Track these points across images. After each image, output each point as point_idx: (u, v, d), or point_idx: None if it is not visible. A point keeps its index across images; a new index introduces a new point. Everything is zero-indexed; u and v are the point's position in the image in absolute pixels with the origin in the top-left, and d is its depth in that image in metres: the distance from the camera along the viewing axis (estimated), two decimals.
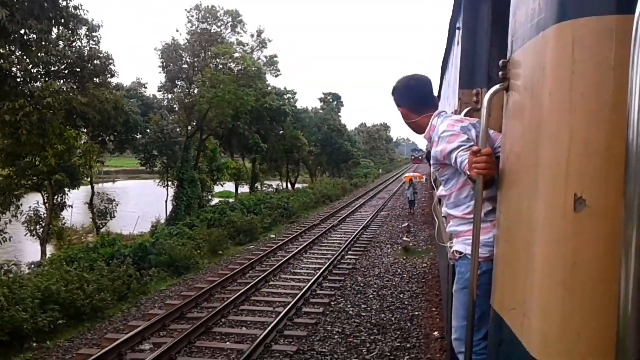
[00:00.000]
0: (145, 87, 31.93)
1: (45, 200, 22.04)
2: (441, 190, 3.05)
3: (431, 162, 3.00)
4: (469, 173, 2.38)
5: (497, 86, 2.10)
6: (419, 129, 3.12)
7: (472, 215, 2.69)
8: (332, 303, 10.70)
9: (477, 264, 2.34)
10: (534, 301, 1.65)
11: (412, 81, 3.13)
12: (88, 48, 17.30)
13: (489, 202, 2.56)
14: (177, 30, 41.25)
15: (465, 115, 3.22)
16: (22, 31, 13.40)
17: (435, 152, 2.84)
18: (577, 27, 1.48)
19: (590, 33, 1.46)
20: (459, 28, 4.19)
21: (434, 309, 10.30)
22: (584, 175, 1.49)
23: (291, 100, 39.86)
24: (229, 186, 41.81)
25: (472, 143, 2.64)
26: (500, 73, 2.07)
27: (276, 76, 32.89)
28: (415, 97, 3.09)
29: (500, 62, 2.06)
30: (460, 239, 2.90)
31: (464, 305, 2.78)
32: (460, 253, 2.87)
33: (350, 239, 17.51)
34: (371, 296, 11.23)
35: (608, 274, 1.45)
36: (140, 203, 38.26)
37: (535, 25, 1.69)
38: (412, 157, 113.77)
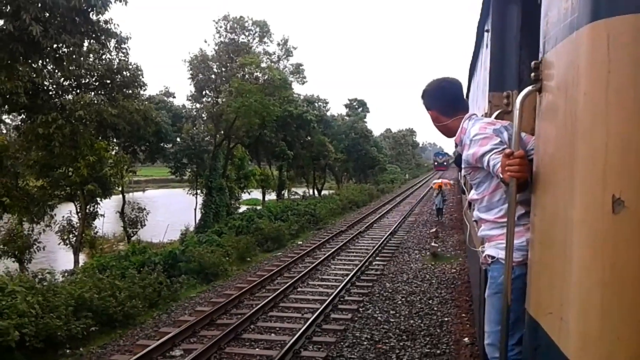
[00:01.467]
0: (174, 97, 32.45)
1: (78, 210, 22.52)
2: (472, 194, 3.02)
3: (462, 165, 2.97)
4: (502, 176, 2.35)
5: (529, 87, 2.08)
6: (449, 132, 3.10)
7: (504, 219, 2.65)
8: (360, 309, 10.66)
9: (511, 269, 2.31)
10: (572, 304, 1.62)
11: (443, 84, 3.11)
12: (117, 60, 17.67)
13: (522, 205, 2.52)
14: (206, 41, 41.67)
15: (495, 118, 3.19)
16: (55, 46, 13.77)
17: (467, 156, 2.81)
18: (612, 25, 1.47)
19: (625, 31, 1.44)
20: (487, 30, 4.16)
21: (463, 314, 10.18)
22: (622, 175, 1.46)
23: (322, 108, 40.04)
24: (256, 194, 42.09)
25: (504, 146, 2.61)
26: (532, 74, 2.05)
27: (303, 84, 33.08)
28: (446, 100, 3.07)
29: (532, 63, 2.04)
30: (492, 243, 2.86)
31: (497, 310, 2.74)
32: (493, 257, 2.84)
33: (378, 245, 17.43)
34: (400, 302, 11.15)
35: None
36: (170, 212, 38.78)
37: (568, 25, 1.67)
38: (435, 163, 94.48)
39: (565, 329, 1.66)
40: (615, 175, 1.47)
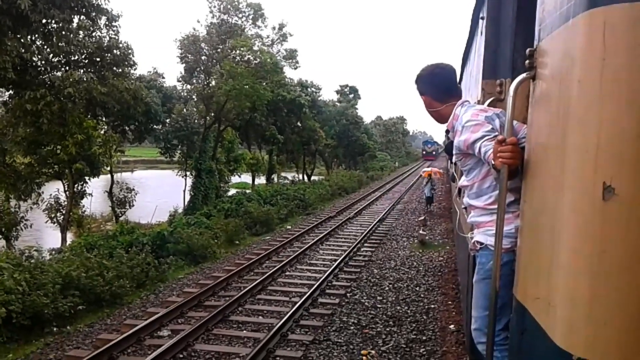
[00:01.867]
0: (163, 78, 32.11)
1: (66, 189, 22.35)
2: (463, 181, 3.04)
3: (453, 151, 2.99)
4: (493, 163, 2.37)
5: (523, 75, 2.09)
6: (441, 118, 3.11)
7: (494, 206, 2.68)
8: (348, 294, 10.73)
9: (500, 255, 2.34)
10: (560, 289, 1.65)
11: (437, 69, 3.12)
12: (107, 38, 17.44)
13: (512, 193, 2.55)
14: (199, 21, 41.16)
15: (488, 105, 3.20)
16: (44, 21, 13.55)
17: (459, 142, 2.83)
18: (609, 13, 1.47)
19: (622, 20, 1.45)
20: (482, 18, 4.15)
21: (450, 302, 10.28)
22: (613, 163, 1.48)
23: (315, 94, 39.89)
24: (246, 177, 42.02)
25: (496, 133, 2.62)
26: (526, 62, 2.05)
27: (295, 69, 32.88)
28: (439, 86, 3.08)
29: (527, 50, 2.04)
30: (481, 229, 2.89)
31: (485, 296, 2.78)
32: (482, 244, 2.87)
33: (367, 231, 17.51)
34: (387, 288, 11.24)
35: (637, 263, 1.45)
36: (158, 193, 38.61)
37: (564, 13, 1.68)
38: (423, 152, 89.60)
39: (553, 314, 1.69)
40: (607, 163, 1.48)
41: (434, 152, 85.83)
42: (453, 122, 2.96)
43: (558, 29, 1.75)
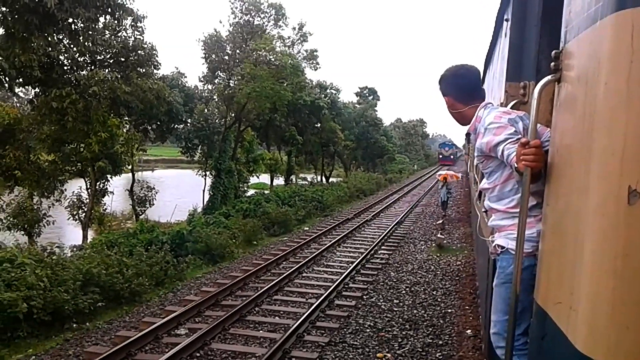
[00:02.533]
0: (185, 77, 32.43)
1: (88, 186, 22.67)
2: (484, 183, 3.02)
3: (475, 153, 2.97)
4: (516, 165, 2.35)
5: (548, 77, 2.07)
6: (463, 120, 3.09)
7: (516, 210, 2.66)
8: (364, 297, 10.70)
9: (522, 259, 2.32)
10: (582, 293, 1.63)
11: (461, 70, 3.11)
12: (133, 38, 17.67)
13: (534, 196, 2.52)
14: (221, 22, 41.39)
15: (511, 108, 3.17)
16: (70, 20, 13.77)
17: (481, 144, 2.81)
18: (638, 15, 1.45)
19: None
20: (507, 20, 4.12)
21: (467, 307, 10.19)
22: (638, 167, 1.46)
23: (334, 95, 39.91)
24: (265, 178, 42.19)
25: (519, 136, 2.60)
26: (552, 64, 2.04)
27: (315, 70, 32.95)
28: (463, 87, 3.06)
29: (553, 52, 2.03)
30: (502, 233, 2.87)
31: (505, 300, 2.76)
32: (502, 247, 2.84)
33: (384, 234, 17.45)
34: (404, 292, 11.18)
35: None
36: (178, 192, 38.98)
37: (592, 15, 1.66)
38: (440, 156, 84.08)
39: (574, 318, 1.67)
40: (633, 167, 1.47)
41: (452, 156, 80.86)
42: (476, 124, 2.94)
43: (585, 30, 1.73)
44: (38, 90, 16.51)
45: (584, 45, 1.76)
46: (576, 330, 1.65)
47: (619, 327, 1.49)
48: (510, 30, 3.72)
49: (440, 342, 8.35)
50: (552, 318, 1.90)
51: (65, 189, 22.28)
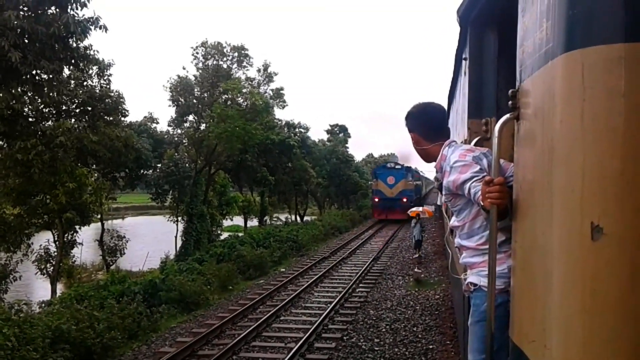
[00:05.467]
0: (157, 122, 32.28)
1: (56, 239, 22.11)
2: (454, 221, 3.02)
3: (443, 192, 2.97)
4: (482, 204, 2.36)
5: (507, 115, 2.11)
6: (428, 157, 3.11)
7: (486, 246, 2.66)
8: (344, 338, 10.54)
9: (494, 296, 2.30)
10: (554, 331, 1.61)
11: (428, 108, 3.14)
12: (99, 87, 17.60)
13: (503, 232, 2.52)
14: (184, 68, 41.53)
15: (475, 144, 3.21)
16: (34, 72, 13.65)
17: (448, 183, 2.82)
18: (587, 55, 1.49)
19: (599, 61, 1.47)
20: (465, 59, 4.22)
21: (448, 342, 10.12)
22: (600, 202, 1.47)
23: (303, 134, 40.21)
24: (238, 220, 41.81)
25: (484, 173, 2.62)
26: (510, 102, 2.07)
27: (283, 108, 33.25)
28: (429, 125, 3.08)
29: (510, 91, 2.06)
30: (474, 270, 2.85)
31: (481, 339, 2.71)
32: (475, 285, 2.82)
33: (361, 271, 17.35)
34: (384, 330, 11.06)
35: (628, 301, 1.43)
36: (150, 239, 38.28)
37: (543, 55, 1.70)
38: (375, 199, 37.66)
39: (549, 357, 1.65)
40: (593, 202, 1.48)
41: (407, 196, 36.86)
42: (441, 162, 2.96)
43: (538, 70, 1.77)
44: (1, 143, 16.19)
45: (538, 84, 1.80)
46: None
47: None
48: (468, 69, 3.80)
49: None
50: (527, 357, 1.88)
51: (32, 243, 21.67)
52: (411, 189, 37.50)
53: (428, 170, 62.02)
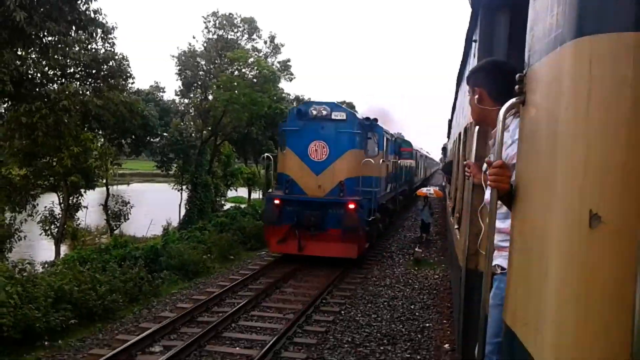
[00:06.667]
0: (164, 92, 32.19)
1: (61, 201, 22.29)
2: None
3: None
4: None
5: (513, 100, 2.10)
6: (485, 119, 2.92)
7: None
8: (342, 312, 10.67)
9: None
10: (547, 316, 1.64)
11: (505, 66, 2.91)
12: (103, 50, 17.49)
13: None
14: (194, 37, 41.28)
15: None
16: (40, 34, 13.59)
17: (506, 155, 2.62)
18: (595, 43, 1.48)
19: (608, 49, 1.46)
20: (475, 40, 4.18)
21: (445, 321, 10.24)
22: (599, 191, 1.48)
23: None
24: (243, 192, 41.94)
25: None
26: (516, 87, 2.07)
27: (290, 80, 33.04)
28: (501, 84, 2.76)
29: (517, 76, 2.06)
30: (503, 253, 2.74)
31: (498, 323, 2.65)
32: (503, 269, 2.73)
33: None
34: (382, 306, 11.18)
35: (623, 290, 1.44)
36: (154, 206, 38.47)
37: (552, 40, 1.69)
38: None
39: (541, 341, 1.67)
40: (594, 191, 1.48)
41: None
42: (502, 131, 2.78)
43: (547, 55, 1.76)
44: (8, 105, 16.21)
45: (545, 69, 1.79)
46: (543, 354, 1.65)
47: (583, 351, 1.49)
48: (478, 51, 3.77)
49: (419, 357, 8.37)
50: (520, 340, 1.90)
51: (37, 204, 21.85)
52: (378, 174, 16.11)
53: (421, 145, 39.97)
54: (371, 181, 14.55)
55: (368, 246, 15.34)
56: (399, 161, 22.26)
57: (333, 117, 14.24)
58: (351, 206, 13.51)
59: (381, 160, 16.27)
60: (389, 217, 20.31)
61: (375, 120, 15.50)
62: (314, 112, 14.26)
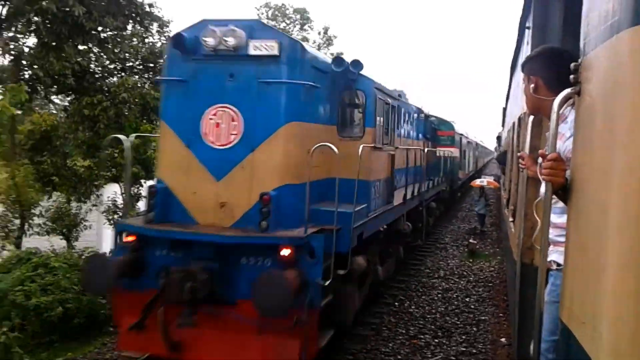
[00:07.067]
0: None
1: (122, 191, 23.10)
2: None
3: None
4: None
5: (568, 90, 2.02)
6: (539, 109, 2.82)
7: None
8: (396, 304, 10.59)
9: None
10: (605, 314, 1.57)
11: (564, 54, 2.73)
12: (159, 44, 17.95)
13: None
14: None
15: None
16: (99, 28, 14.12)
17: (565, 147, 2.53)
18: None
19: None
20: (528, 27, 4.04)
21: (501, 314, 10.02)
22: None
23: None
24: None
25: None
26: (571, 77, 1.98)
27: None
28: (559, 73, 2.55)
29: (572, 65, 1.98)
30: (559, 248, 2.64)
31: (554, 320, 2.56)
32: (559, 265, 2.65)
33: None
34: (436, 298, 11.04)
35: None
36: None
37: (609, 28, 1.61)
38: None
39: (598, 339, 1.61)
40: None
41: None
42: (559, 122, 2.67)
43: (602, 44, 1.68)
44: (71, 98, 16.95)
45: (601, 58, 1.71)
46: (599, 353, 1.59)
47: None
48: (532, 38, 3.63)
49: (474, 351, 8.21)
50: (577, 338, 1.84)
51: (101, 194, 22.75)
52: (367, 176, 7.33)
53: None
54: (350, 190, 6.42)
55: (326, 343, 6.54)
56: (434, 150, 16.13)
57: (252, 51, 6.29)
58: (285, 252, 5.79)
59: (373, 145, 7.53)
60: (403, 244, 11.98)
61: (357, 63, 7.30)
62: (212, 42, 6.34)
